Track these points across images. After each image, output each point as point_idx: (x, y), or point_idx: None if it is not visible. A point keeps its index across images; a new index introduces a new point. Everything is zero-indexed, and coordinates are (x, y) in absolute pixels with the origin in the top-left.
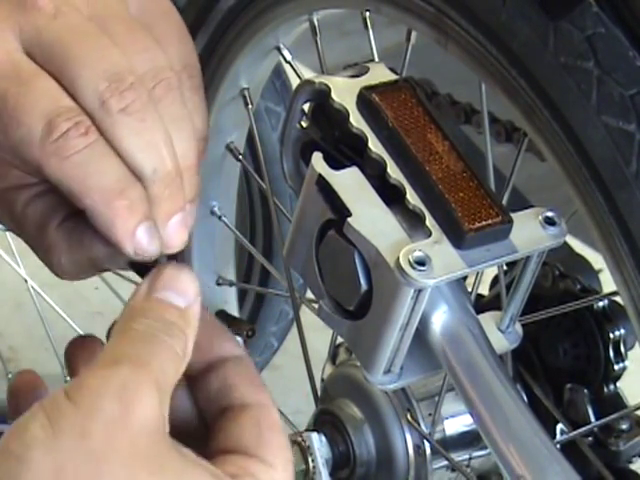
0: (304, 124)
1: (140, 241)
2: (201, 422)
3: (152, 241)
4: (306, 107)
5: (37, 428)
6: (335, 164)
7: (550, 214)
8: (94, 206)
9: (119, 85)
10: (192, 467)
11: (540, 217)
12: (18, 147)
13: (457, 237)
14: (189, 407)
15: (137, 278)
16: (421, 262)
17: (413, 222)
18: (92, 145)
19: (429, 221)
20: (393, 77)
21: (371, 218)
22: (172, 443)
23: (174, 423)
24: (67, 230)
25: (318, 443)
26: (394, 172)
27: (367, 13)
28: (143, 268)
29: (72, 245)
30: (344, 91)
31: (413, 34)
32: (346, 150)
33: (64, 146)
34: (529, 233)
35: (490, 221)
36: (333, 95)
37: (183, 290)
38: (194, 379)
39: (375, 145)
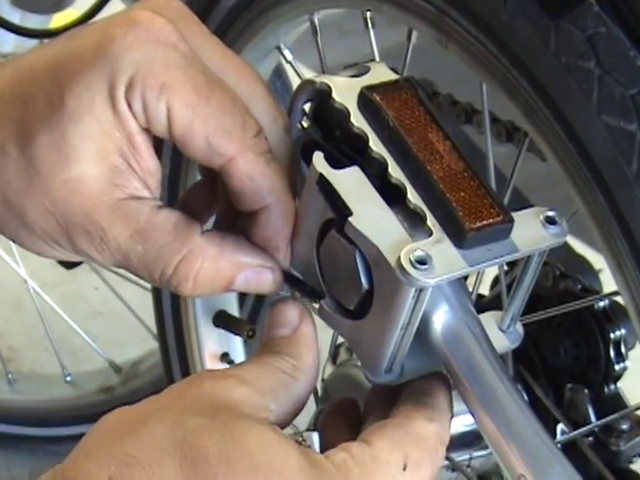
0: (305, 124)
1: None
2: None
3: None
4: (307, 107)
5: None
6: (336, 164)
7: (551, 214)
8: (277, 203)
9: None
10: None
11: (541, 217)
12: (219, 136)
13: (458, 236)
14: None
15: (137, 278)
16: (422, 261)
17: (414, 221)
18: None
19: (430, 220)
20: (394, 77)
21: (372, 218)
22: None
23: None
24: (216, 235)
25: (319, 443)
26: (395, 172)
27: (368, 13)
28: (297, 282)
29: (224, 249)
30: (345, 91)
31: (414, 34)
32: (347, 150)
33: (260, 143)
34: (530, 233)
35: (491, 220)
36: (334, 95)
37: (286, 321)
38: None
39: (376, 145)
